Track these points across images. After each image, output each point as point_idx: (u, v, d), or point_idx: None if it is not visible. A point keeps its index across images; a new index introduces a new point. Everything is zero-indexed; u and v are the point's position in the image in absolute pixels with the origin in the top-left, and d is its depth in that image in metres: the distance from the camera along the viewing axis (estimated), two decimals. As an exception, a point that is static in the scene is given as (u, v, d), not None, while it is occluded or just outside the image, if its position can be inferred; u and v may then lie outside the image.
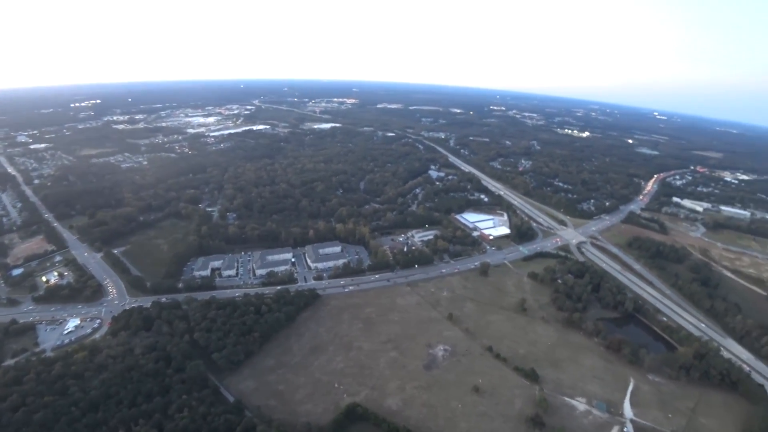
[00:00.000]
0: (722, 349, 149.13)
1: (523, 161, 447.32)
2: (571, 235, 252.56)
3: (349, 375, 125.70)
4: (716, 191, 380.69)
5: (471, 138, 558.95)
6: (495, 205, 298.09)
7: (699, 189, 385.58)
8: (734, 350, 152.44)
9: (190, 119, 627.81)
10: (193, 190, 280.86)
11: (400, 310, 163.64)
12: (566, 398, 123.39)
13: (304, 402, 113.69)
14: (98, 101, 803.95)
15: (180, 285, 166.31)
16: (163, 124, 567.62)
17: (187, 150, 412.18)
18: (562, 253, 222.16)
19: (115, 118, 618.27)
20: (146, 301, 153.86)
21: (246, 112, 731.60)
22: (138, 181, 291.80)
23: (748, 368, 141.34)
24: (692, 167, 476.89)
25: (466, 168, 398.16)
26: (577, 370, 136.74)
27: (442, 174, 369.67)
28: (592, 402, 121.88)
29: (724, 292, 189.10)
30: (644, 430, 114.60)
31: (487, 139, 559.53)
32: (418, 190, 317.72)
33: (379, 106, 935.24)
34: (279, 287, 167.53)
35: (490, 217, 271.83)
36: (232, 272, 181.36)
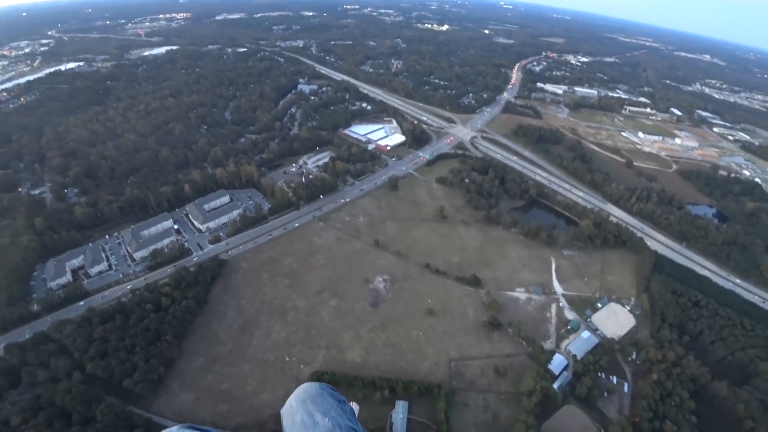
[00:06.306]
0: (610, 215, 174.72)
1: (393, 61, 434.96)
2: (461, 131, 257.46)
3: (296, 342, 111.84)
4: (567, 74, 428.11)
5: (333, 43, 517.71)
6: (381, 112, 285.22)
7: (554, 73, 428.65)
8: (615, 213, 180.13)
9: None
10: (1, 171, 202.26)
11: (322, 251, 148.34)
12: (508, 293, 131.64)
13: (258, 392, 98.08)
14: None
15: (35, 308, 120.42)
16: None
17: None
18: (460, 152, 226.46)
19: None
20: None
21: (43, 49, 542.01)
22: None
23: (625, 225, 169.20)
24: (544, 53, 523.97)
25: (338, 76, 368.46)
26: (508, 263, 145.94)
27: (314, 87, 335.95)
28: (530, 289, 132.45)
29: (597, 165, 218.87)
30: (573, 299, 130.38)
31: (350, 42, 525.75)
32: (293, 110, 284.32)
33: (218, 18, 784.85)
34: (172, 267, 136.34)
35: (380, 126, 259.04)
36: (103, 266, 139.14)
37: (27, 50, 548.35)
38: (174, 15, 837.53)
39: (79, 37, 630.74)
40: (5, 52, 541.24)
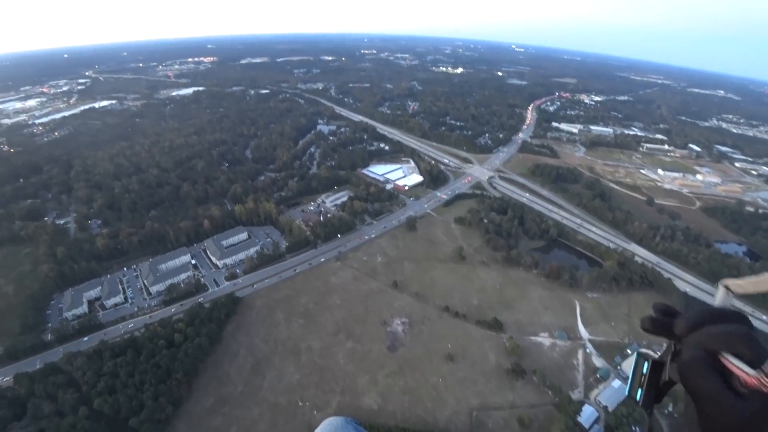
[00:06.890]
0: (634, 255, 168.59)
1: (409, 102, 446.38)
2: (478, 171, 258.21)
3: (309, 386, 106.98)
4: (581, 113, 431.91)
5: (351, 85, 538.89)
6: (398, 152, 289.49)
7: (568, 112, 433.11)
8: (638, 252, 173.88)
9: (0, 106, 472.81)
10: (29, 200, 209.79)
11: (338, 291, 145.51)
12: (531, 337, 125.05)
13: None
14: None
15: (49, 337, 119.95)
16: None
17: (6, 148, 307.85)
18: (478, 192, 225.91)
19: None
20: (4, 376, 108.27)
21: (80, 87, 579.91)
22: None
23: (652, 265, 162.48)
24: (557, 93, 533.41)
25: (356, 117, 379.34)
26: (530, 305, 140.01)
27: (332, 127, 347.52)
28: (554, 334, 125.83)
29: (617, 203, 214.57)
30: (600, 345, 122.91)
31: (367, 85, 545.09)
32: (312, 149, 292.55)
33: (242, 61, 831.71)
34: (187, 302, 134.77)
35: (398, 166, 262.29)
36: (119, 299, 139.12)
37: (65, 88, 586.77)
38: (202, 59, 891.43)
39: (114, 78, 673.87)
40: (45, 90, 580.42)
